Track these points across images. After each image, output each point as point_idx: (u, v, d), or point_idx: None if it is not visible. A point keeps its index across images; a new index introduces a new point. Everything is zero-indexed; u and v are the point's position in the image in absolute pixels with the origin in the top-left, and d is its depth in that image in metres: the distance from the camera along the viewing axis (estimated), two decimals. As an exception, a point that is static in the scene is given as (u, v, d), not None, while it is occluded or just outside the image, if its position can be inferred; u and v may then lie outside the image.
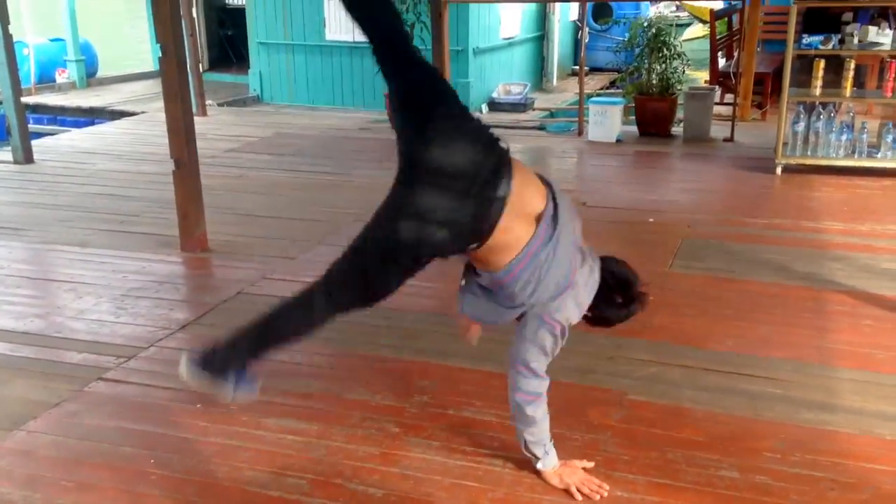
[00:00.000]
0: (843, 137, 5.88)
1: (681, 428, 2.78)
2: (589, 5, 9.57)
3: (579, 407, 2.92)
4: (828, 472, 2.52)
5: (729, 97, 8.32)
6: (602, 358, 3.25)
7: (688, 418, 2.84)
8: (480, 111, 10.60)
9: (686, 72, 8.33)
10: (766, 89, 8.33)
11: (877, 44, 5.69)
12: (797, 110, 6.02)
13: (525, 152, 7.32)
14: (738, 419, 2.83)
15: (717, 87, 8.22)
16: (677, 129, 7.63)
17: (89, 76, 11.50)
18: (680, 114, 7.75)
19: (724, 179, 6.19)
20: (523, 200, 2.11)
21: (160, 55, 4.49)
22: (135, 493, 2.49)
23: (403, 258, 2.11)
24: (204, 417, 2.90)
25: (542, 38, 12.69)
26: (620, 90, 9.66)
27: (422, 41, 8.31)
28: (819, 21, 6.09)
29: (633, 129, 7.72)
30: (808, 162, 6.00)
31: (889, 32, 5.74)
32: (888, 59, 5.83)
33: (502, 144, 2.12)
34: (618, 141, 7.40)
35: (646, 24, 7.94)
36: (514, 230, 2.10)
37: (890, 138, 5.80)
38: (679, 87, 7.78)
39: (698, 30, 16.14)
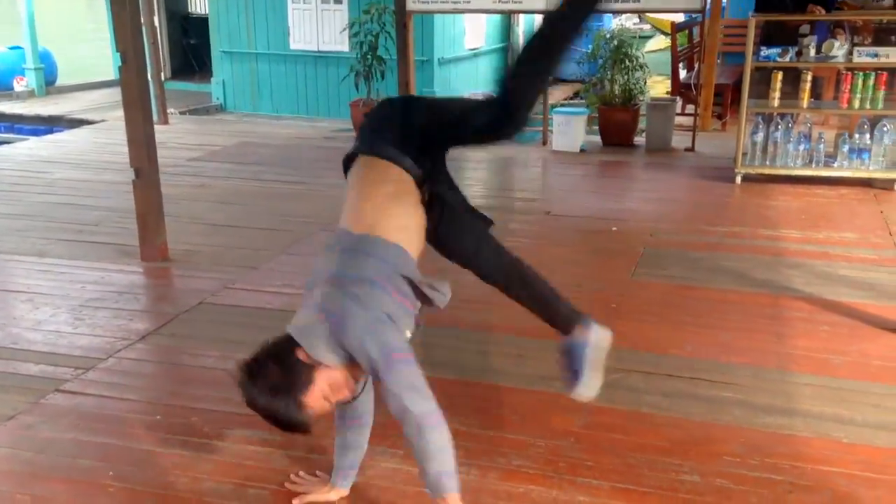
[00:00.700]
0: (801, 147, 5.99)
1: (643, 433, 2.80)
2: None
3: (542, 414, 2.93)
4: (786, 475, 2.55)
5: (690, 108, 8.43)
6: (565, 365, 3.26)
7: (649, 423, 2.87)
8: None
9: (648, 83, 8.43)
10: (726, 100, 8.47)
11: (833, 56, 5.81)
12: (756, 121, 6.13)
13: (489, 161, 7.36)
14: (698, 424, 2.86)
15: (678, 97, 8.33)
16: (640, 139, 7.72)
17: (48, 84, 11.33)
18: (642, 124, 7.85)
19: (686, 189, 6.27)
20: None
21: (120, 63, 4.44)
22: (92, 506, 2.45)
23: None
24: (164, 429, 2.86)
25: (506, 48, 12.77)
26: (584, 100, 9.75)
27: (386, 51, 8.34)
28: (777, 33, 6.19)
29: (597, 138, 7.80)
30: (767, 171, 6.10)
31: (846, 45, 5.88)
32: (844, 71, 5.97)
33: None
34: (582, 150, 7.46)
35: (608, 35, 8.04)
36: None
37: (846, 148, 5.92)
38: (641, 98, 7.88)
39: (660, 41, 16.35)
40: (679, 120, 8.00)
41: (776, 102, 5.96)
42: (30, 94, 10.95)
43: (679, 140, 7.50)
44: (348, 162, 2.34)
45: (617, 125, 7.66)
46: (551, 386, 3.11)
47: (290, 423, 2.01)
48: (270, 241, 4.98)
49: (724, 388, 3.10)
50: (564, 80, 13.29)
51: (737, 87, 8.11)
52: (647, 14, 16.73)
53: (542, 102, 8.12)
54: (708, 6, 7.18)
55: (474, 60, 11.67)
